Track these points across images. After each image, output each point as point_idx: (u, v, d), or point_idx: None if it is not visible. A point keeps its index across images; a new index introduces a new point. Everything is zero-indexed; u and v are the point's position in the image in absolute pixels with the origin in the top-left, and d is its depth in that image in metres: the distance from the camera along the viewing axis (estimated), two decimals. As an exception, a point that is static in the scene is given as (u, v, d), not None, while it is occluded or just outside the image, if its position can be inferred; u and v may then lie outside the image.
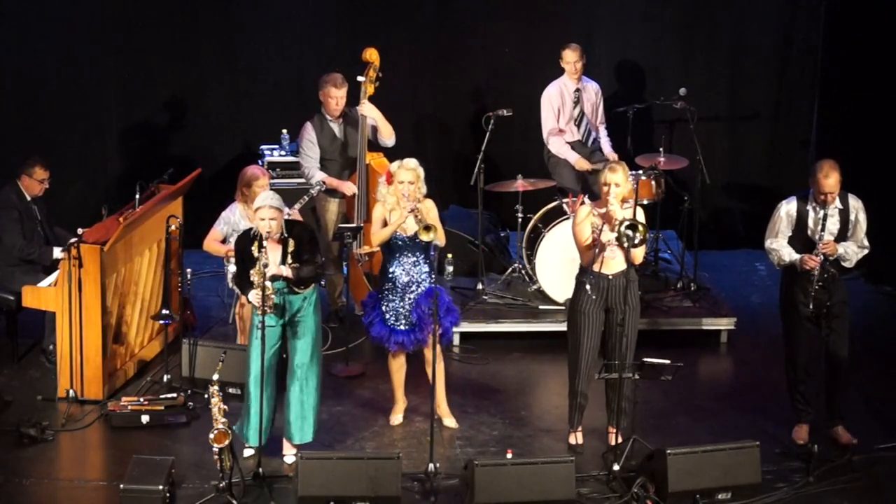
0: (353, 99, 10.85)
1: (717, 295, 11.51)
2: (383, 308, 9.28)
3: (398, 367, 9.51)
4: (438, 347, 9.23)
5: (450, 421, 9.59)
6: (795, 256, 9.05)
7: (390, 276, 9.24)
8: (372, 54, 10.74)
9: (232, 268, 9.48)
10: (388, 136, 10.82)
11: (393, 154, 10.94)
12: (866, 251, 9.15)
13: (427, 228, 8.92)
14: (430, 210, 9.16)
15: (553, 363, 10.43)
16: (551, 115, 11.59)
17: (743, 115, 12.96)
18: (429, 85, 12.70)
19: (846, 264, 9.10)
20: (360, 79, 10.73)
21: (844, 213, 9.05)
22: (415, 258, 9.21)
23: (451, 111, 12.82)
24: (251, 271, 8.55)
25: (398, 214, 9.10)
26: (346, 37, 12.55)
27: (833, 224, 9.04)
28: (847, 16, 12.44)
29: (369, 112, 10.72)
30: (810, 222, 9.06)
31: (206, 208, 10.60)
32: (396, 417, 9.64)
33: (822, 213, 8.99)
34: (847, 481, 8.89)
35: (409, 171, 9.06)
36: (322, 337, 9.05)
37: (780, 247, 9.13)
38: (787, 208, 9.14)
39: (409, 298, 9.22)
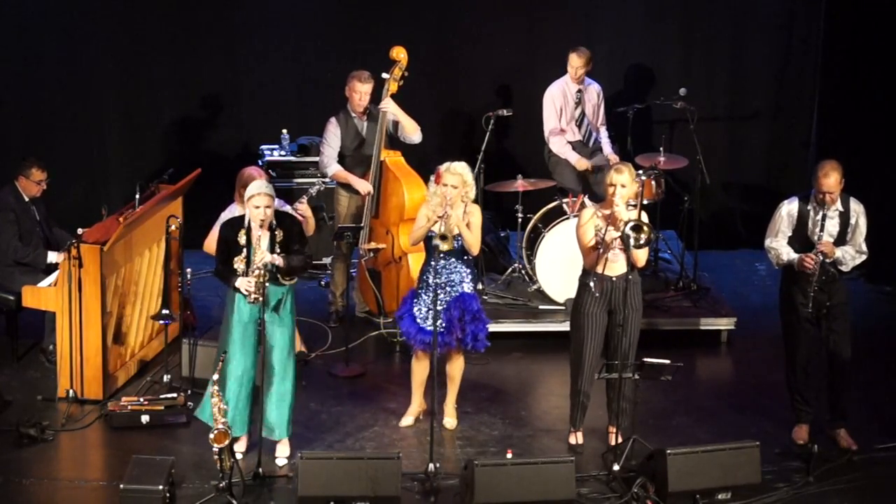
0: (375, 97, 10.85)
1: (717, 295, 11.51)
2: (415, 305, 9.29)
3: (421, 369, 9.44)
4: (453, 352, 9.35)
5: (449, 422, 9.58)
6: (794, 256, 9.05)
7: (426, 275, 9.23)
8: (399, 52, 10.74)
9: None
10: (412, 132, 10.82)
11: (406, 151, 10.98)
12: (864, 257, 9.12)
13: (443, 238, 8.88)
14: (472, 214, 9.11)
15: (553, 363, 10.43)
16: (553, 114, 11.59)
17: (743, 115, 12.96)
18: (429, 85, 12.68)
19: (842, 268, 9.07)
20: (384, 76, 10.74)
21: (845, 216, 9.04)
22: (451, 260, 9.16)
23: (451, 111, 12.82)
24: (235, 258, 8.56)
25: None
26: (346, 37, 12.56)
27: (833, 226, 9.03)
28: (847, 16, 12.44)
29: (391, 108, 10.72)
30: (810, 223, 9.06)
31: (206, 208, 10.60)
32: (407, 419, 9.57)
33: (821, 213, 8.99)
34: (847, 481, 8.89)
35: (455, 175, 9.03)
36: (295, 334, 9.00)
37: (779, 246, 9.12)
38: (789, 208, 9.14)
39: (441, 299, 9.17)
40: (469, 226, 9.09)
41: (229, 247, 8.67)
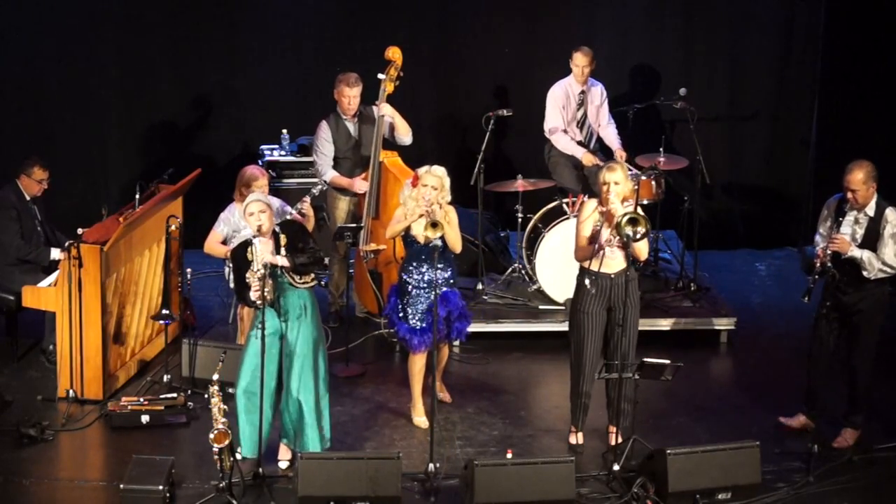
0: (370, 97, 10.84)
1: (717, 295, 11.51)
2: (400, 303, 9.40)
3: (419, 369, 9.49)
4: (440, 345, 9.54)
5: (443, 396, 9.80)
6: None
7: (410, 275, 9.33)
8: (395, 53, 10.73)
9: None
10: (405, 134, 10.84)
11: (402, 152, 10.98)
12: (890, 271, 8.97)
13: (434, 225, 8.99)
14: (450, 213, 9.24)
15: (553, 363, 10.43)
16: (555, 113, 11.55)
17: (743, 115, 12.96)
18: (429, 85, 12.70)
19: (865, 273, 8.97)
20: (380, 76, 10.73)
21: (874, 224, 8.96)
22: (432, 262, 9.23)
23: (451, 111, 12.83)
24: (247, 274, 8.55)
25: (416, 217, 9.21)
26: (346, 37, 12.56)
27: (859, 229, 8.98)
28: (847, 16, 12.45)
29: (389, 112, 10.72)
30: (841, 218, 9.01)
31: (206, 208, 10.61)
32: (422, 420, 9.57)
33: (851, 214, 8.95)
34: (847, 481, 8.89)
35: (435, 177, 9.17)
36: (322, 346, 8.95)
37: (817, 241, 9.09)
38: (830, 203, 9.12)
39: (424, 299, 9.26)
40: (449, 224, 9.22)
41: (241, 267, 8.65)
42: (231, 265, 9.02)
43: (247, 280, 8.54)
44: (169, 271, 10.16)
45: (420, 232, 9.13)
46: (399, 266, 9.63)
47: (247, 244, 8.65)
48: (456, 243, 9.27)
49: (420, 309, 9.30)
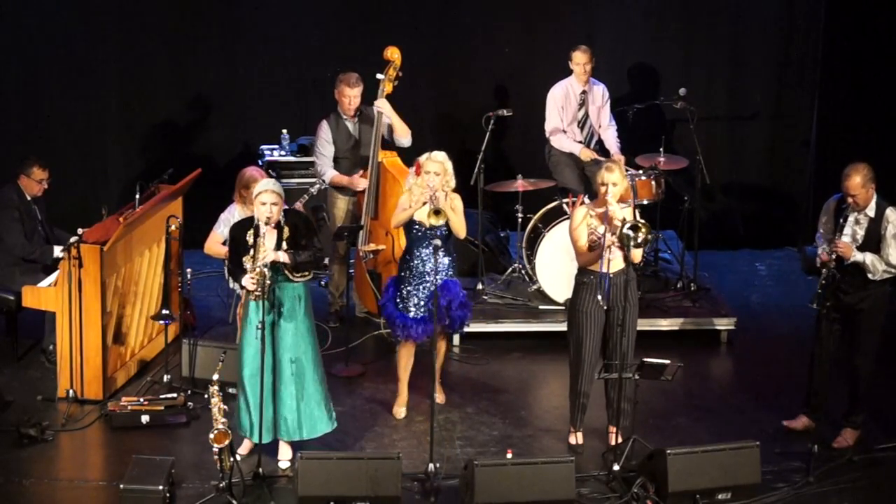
0: (369, 97, 10.84)
1: (717, 295, 11.51)
2: (399, 292, 9.39)
3: (406, 359, 9.55)
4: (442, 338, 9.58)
5: (439, 397, 9.74)
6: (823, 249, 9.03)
7: (410, 263, 9.36)
8: (393, 53, 10.73)
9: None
10: (403, 136, 10.84)
11: (401, 153, 10.98)
12: (894, 271, 8.97)
13: (437, 213, 9.07)
14: (455, 200, 9.32)
15: (553, 363, 10.43)
16: (555, 114, 11.57)
17: (743, 115, 12.96)
18: (429, 85, 12.70)
19: (869, 275, 8.97)
20: (379, 77, 10.73)
21: (874, 224, 8.96)
22: (432, 249, 9.23)
23: (451, 111, 12.83)
24: (244, 258, 8.55)
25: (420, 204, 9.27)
26: (346, 36, 12.57)
27: (860, 230, 8.98)
28: (847, 16, 12.45)
29: (386, 109, 10.71)
30: (842, 220, 9.01)
31: (206, 208, 10.60)
32: (400, 410, 9.65)
33: (852, 215, 8.95)
34: (847, 481, 8.89)
35: (437, 163, 9.24)
36: (315, 336, 8.97)
37: (819, 241, 9.08)
38: (829, 203, 9.12)
39: (426, 287, 9.29)
40: (454, 210, 9.27)
41: (238, 246, 8.66)
42: (228, 239, 8.96)
43: (243, 264, 8.55)
44: (169, 271, 10.15)
45: (424, 219, 9.19)
46: (399, 257, 9.65)
47: (248, 225, 8.62)
48: (460, 229, 9.34)
49: (420, 297, 9.32)
